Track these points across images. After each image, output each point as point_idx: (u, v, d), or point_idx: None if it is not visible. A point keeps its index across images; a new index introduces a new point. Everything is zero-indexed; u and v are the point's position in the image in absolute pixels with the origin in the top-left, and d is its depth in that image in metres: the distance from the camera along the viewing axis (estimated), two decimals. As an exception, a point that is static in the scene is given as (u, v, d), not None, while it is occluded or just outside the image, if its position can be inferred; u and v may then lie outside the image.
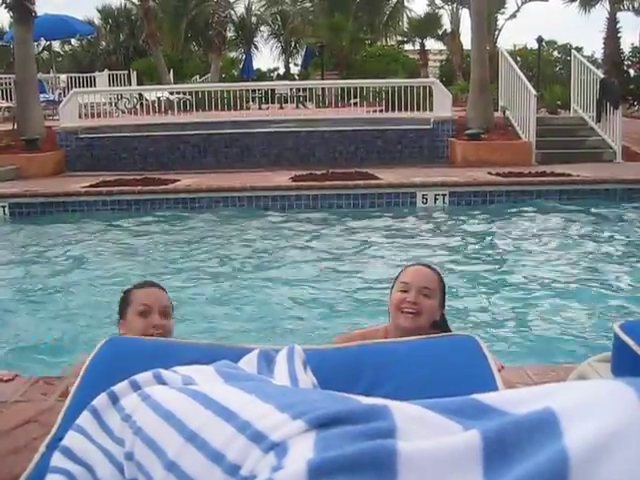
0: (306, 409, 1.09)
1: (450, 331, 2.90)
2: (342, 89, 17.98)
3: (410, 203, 10.67)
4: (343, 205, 10.61)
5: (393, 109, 15.18)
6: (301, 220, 9.85)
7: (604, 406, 0.90)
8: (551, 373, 3.05)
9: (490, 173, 11.69)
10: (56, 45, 33.79)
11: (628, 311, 5.62)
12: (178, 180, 11.72)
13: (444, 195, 10.67)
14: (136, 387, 1.42)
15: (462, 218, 9.86)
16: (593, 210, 9.97)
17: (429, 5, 35.98)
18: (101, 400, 1.43)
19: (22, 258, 8.26)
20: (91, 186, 11.28)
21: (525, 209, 10.12)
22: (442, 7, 35.33)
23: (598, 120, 14.48)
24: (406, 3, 37.77)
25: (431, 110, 14.82)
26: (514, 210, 10.07)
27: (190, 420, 1.20)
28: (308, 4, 37.66)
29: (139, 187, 11.11)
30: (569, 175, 11.31)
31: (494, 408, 1.02)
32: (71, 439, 1.42)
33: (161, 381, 1.43)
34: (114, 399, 1.42)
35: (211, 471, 1.12)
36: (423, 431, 0.99)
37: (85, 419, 1.43)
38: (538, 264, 7.37)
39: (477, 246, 8.42)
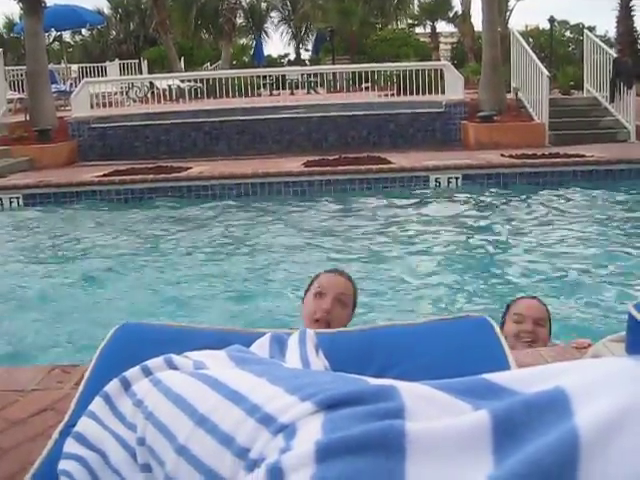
0: (315, 391, 1.09)
1: None
2: (353, 74, 17.96)
3: (423, 186, 10.63)
4: (356, 189, 10.58)
5: (405, 93, 15.14)
6: (314, 205, 9.84)
7: (615, 384, 0.89)
8: (566, 355, 3.04)
9: (503, 155, 11.62)
10: (67, 36, 33.89)
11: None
12: (190, 168, 11.72)
13: (457, 178, 10.63)
14: (148, 372, 1.43)
15: (475, 201, 9.82)
16: (608, 191, 9.90)
17: (440, -13, 35.77)
18: (113, 386, 1.44)
19: (37, 248, 8.29)
20: (104, 175, 11.31)
21: (539, 191, 10.06)
22: (452, -12, 35.12)
23: (612, 100, 14.37)
24: (416, -14, 37.55)
25: (443, 93, 14.78)
26: (528, 192, 10.02)
27: (200, 404, 1.20)
28: (318, -12, 37.51)
29: (151, 176, 11.12)
30: (583, 156, 11.23)
31: (504, 387, 1.01)
32: (84, 425, 1.43)
33: (172, 366, 1.43)
34: (126, 385, 1.43)
35: (221, 454, 1.12)
36: (432, 411, 0.99)
37: (97, 405, 1.44)
38: (553, 245, 7.34)
39: (491, 229, 8.38)
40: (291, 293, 6.02)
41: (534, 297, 3.59)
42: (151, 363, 1.44)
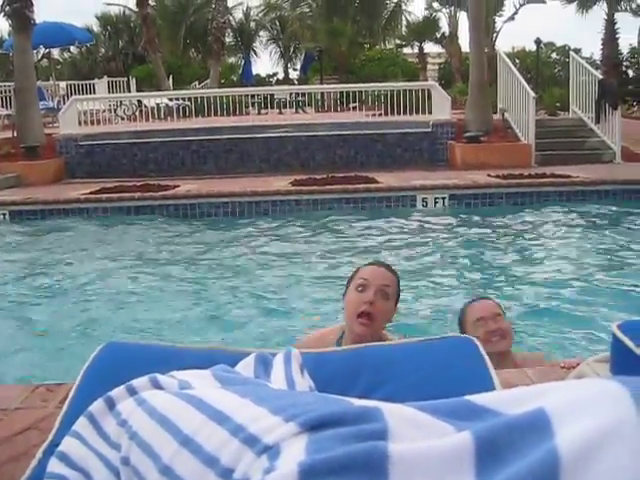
0: (298, 411, 1.09)
1: None
2: (341, 93, 18.03)
3: (410, 206, 10.68)
4: (343, 209, 10.61)
5: (392, 112, 15.22)
6: (301, 225, 9.85)
7: (596, 405, 0.89)
8: (551, 375, 3.04)
9: (490, 175, 11.69)
10: (55, 52, 33.79)
11: (629, 311, 5.61)
12: (178, 186, 11.73)
13: (444, 198, 10.68)
14: (132, 392, 1.42)
15: (462, 220, 9.87)
16: (593, 211, 9.97)
17: (427, 8, 36.12)
18: (98, 405, 1.43)
19: (22, 265, 8.25)
20: (91, 193, 11.30)
21: (525, 211, 10.12)
22: (440, 10, 35.45)
23: (597, 121, 14.51)
24: (404, 7, 37.78)
25: (430, 113, 14.85)
26: (514, 212, 10.07)
27: (184, 424, 1.20)
28: (306, 9, 37.66)
29: (138, 193, 11.12)
30: (569, 176, 11.31)
31: (487, 409, 1.02)
32: (68, 445, 1.42)
33: (158, 386, 1.43)
34: (111, 404, 1.42)
35: (205, 475, 1.11)
36: (415, 433, 0.99)
37: (81, 425, 1.43)
38: (539, 266, 7.37)
39: (477, 248, 8.41)
40: (278, 310, 6.02)
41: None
42: (136, 382, 1.44)
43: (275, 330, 5.51)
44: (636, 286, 6.49)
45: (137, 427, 1.28)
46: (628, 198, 10.59)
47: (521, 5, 31.86)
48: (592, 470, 0.83)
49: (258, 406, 1.16)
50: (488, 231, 9.29)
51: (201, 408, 1.21)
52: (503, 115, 15.45)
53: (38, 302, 6.62)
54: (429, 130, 14.57)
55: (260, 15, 41.01)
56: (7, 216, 10.62)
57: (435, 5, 35.47)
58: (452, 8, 33.95)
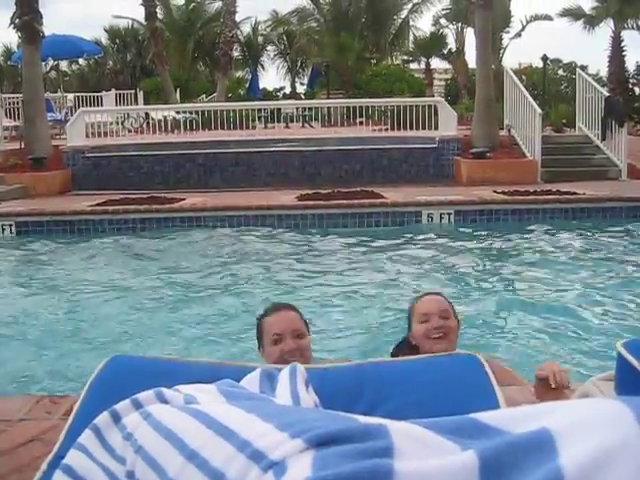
0: (305, 428, 1.09)
1: None
2: (348, 108, 18.07)
3: (415, 222, 10.67)
4: (349, 224, 10.61)
5: (399, 128, 15.24)
6: (306, 239, 9.84)
7: (600, 425, 0.90)
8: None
9: (495, 192, 11.68)
10: (63, 65, 33.98)
11: (635, 330, 5.59)
12: (184, 199, 11.75)
13: (449, 214, 10.68)
14: (138, 406, 1.43)
15: (468, 237, 9.86)
16: (599, 228, 9.96)
17: (434, 24, 36.28)
18: (103, 418, 1.43)
19: (28, 276, 8.27)
20: (97, 205, 11.32)
21: (531, 227, 10.10)
22: (447, 26, 35.63)
23: (603, 138, 14.50)
24: (411, 22, 37.96)
25: (436, 129, 14.87)
26: (520, 229, 10.05)
27: (191, 439, 1.20)
28: (314, 24, 37.85)
29: (145, 206, 11.13)
30: (574, 193, 11.30)
31: (492, 427, 1.02)
32: (73, 457, 1.42)
33: (163, 400, 1.43)
34: (116, 418, 1.42)
35: None
36: (420, 451, 0.99)
37: (87, 437, 1.43)
38: (544, 283, 7.35)
39: (483, 265, 8.39)
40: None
41: (432, 292, 3.55)
42: (141, 396, 1.44)
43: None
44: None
45: (143, 441, 1.28)
46: (634, 216, 10.57)
47: (528, 22, 32.03)
48: None
49: (264, 422, 1.16)
50: (493, 247, 9.28)
51: (207, 423, 1.22)
52: (509, 131, 15.46)
53: (41, 312, 6.63)
54: (435, 146, 14.58)
55: (268, 29, 41.20)
56: (13, 227, 10.65)
57: (442, 21, 35.68)
58: (459, 24, 34.13)
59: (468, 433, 1.02)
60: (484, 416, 1.06)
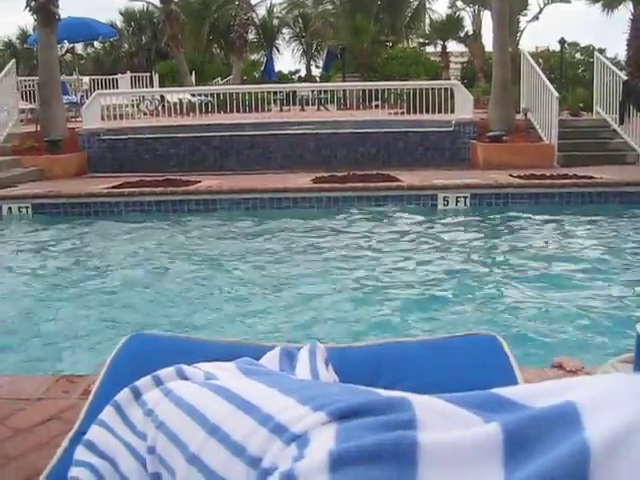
0: (327, 401, 1.09)
1: None
2: (364, 91, 18.01)
3: (431, 205, 10.65)
4: (364, 207, 10.59)
5: (414, 111, 15.18)
6: (322, 222, 9.85)
7: (625, 399, 0.89)
8: (573, 375, 3.03)
9: (512, 175, 11.63)
10: (79, 47, 34.02)
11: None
12: (199, 182, 11.77)
13: (465, 197, 10.64)
14: (158, 382, 1.43)
15: (484, 220, 9.84)
16: (616, 213, 9.91)
17: (450, 7, 36.04)
18: (124, 395, 1.44)
19: (45, 258, 8.32)
20: (113, 187, 11.36)
21: (547, 211, 10.06)
22: (464, 9, 35.37)
23: (621, 122, 14.39)
24: (427, 5, 37.76)
25: (453, 112, 14.81)
26: (536, 212, 10.02)
27: (212, 414, 1.21)
28: (330, 6, 37.70)
29: (160, 188, 11.16)
30: (591, 177, 11.24)
31: (515, 402, 1.02)
32: (94, 433, 1.43)
33: (183, 376, 1.44)
34: (137, 394, 1.43)
35: (232, 464, 1.12)
36: (443, 423, 0.99)
37: (108, 414, 1.44)
38: (561, 265, 7.32)
39: (499, 248, 8.37)
40: (294, 307, 6.02)
41: None
42: (162, 373, 1.45)
43: (290, 325, 5.53)
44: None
45: (164, 417, 1.29)
46: (651, 200, 10.50)
47: (546, 4, 31.74)
48: (623, 463, 0.82)
49: (286, 396, 1.17)
50: (509, 231, 9.25)
51: (228, 398, 1.22)
52: (526, 115, 15.37)
53: (60, 294, 6.67)
54: (451, 129, 14.53)
55: (283, 12, 41.11)
56: (30, 209, 10.70)
57: (459, 4, 35.41)
58: (476, 7, 33.86)
59: (490, 407, 1.02)
60: (505, 391, 1.06)
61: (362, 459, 0.93)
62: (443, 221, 9.88)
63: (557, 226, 9.36)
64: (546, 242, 8.54)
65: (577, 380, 1.02)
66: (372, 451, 0.93)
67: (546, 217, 9.78)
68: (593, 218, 9.65)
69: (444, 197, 10.68)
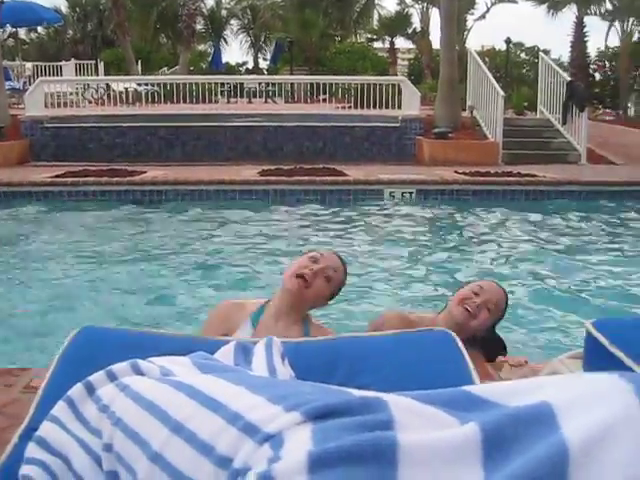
0: (300, 401, 1.08)
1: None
2: (311, 85, 17.98)
3: (377, 200, 10.69)
4: (310, 201, 10.59)
5: (362, 106, 15.22)
6: (268, 215, 9.82)
7: (600, 399, 0.91)
8: (518, 371, 3.07)
9: (457, 172, 11.75)
10: (22, 32, 33.27)
11: (592, 309, 5.68)
12: (144, 172, 11.62)
13: (411, 193, 10.73)
14: (113, 377, 1.41)
15: (428, 216, 9.93)
16: (557, 211, 10.08)
17: (399, 4, 36.16)
18: (77, 390, 1.41)
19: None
20: (56, 176, 11.14)
21: (491, 208, 10.19)
22: (412, 6, 35.55)
23: (564, 122, 14.65)
24: (377, 1, 37.88)
25: (399, 108, 14.89)
26: (480, 209, 10.16)
27: (175, 411, 1.18)
28: (279, -1, 37.61)
29: (105, 178, 11.00)
30: (535, 176, 11.43)
31: (486, 400, 1.03)
32: (46, 429, 1.40)
33: (138, 371, 1.41)
34: (90, 389, 1.40)
35: (199, 463, 1.10)
36: (420, 423, 0.99)
37: (60, 409, 1.41)
38: (503, 263, 7.44)
39: (443, 244, 8.46)
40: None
41: (498, 286, 3.21)
42: (116, 368, 1.42)
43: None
44: (601, 283, 6.58)
45: (121, 413, 1.26)
46: (592, 199, 10.72)
47: (493, 4, 32.11)
48: (601, 461, 0.84)
49: (253, 394, 1.15)
50: (454, 227, 9.35)
51: (191, 394, 1.20)
52: (472, 113, 15.55)
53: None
54: (398, 125, 14.61)
55: (232, 3, 40.84)
56: (-31, 197, 10.44)
57: (407, 1, 35.55)
58: (424, 4, 34.06)
59: (462, 406, 1.02)
60: (476, 389, 1.06)
61: (341, 460, 0.92)
62: (388, 215, 9.93)
63: (500, 223, 9.48)
64: (484, 237, 8.66)
65: (547, 380, 1.04)
66: (351, 452, 0.93)
67: (490, 214, 9.91)
68: (534, 216, 9.79)
69: (390, 192, 10.74)
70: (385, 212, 10.12)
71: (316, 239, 8.48)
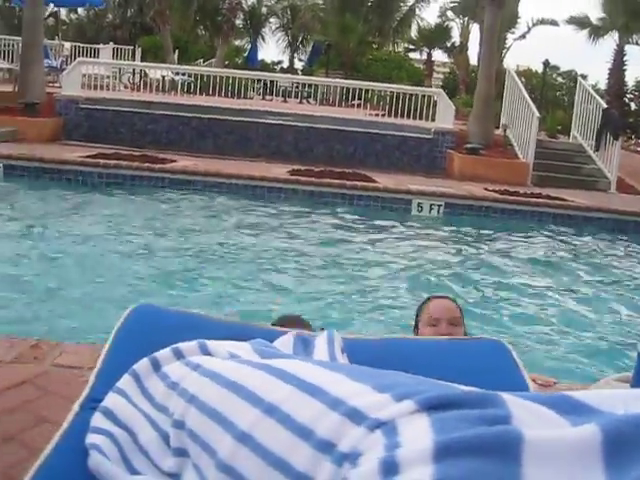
0: (410, 391, 1.06)
1: None
2: (347, 89, 17.99)
3: (405, 210, 10.67)
4: (338, 204, 10.58)
5: (395, 115, 15.20)
6: (295, 215, 9.83)
7: None
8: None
9: (487, 189, 11.71)
10: (62, 13, 33.48)
11: (617, 339, 5.65)
12: (175, 161, 11.66)
13: (440, 205, 10.69)
14: (179, 355, 1.40)
15: (456, 230, 9.90)
16: (584, 237, 10.04)
17: (440, 16, 36.16)
18: (143, 365, 1.41)
19: (12, 221, 8.19)
20: (88, 157, 11.20)
21: (518, 228, 10.15)
22: (453, 19, 35.52)
23: (597, 149, 14.56)
24: (417, 11, 37.85)
25: (433, 120, 14.85)
26: (507, 228, 10.11)
27: (267, 393, 1.17)
28: (320, 1, 37.62)
29: (137, 163, 11.04)
30: (564, 200, 11.36)
31: (586, 404, 1.01)
32: (112, 401, 1.40)
33: (206, 352, 1.41)
34: (156, 365, 1.40)
35: (296, 446, 1.08)
36: (536, 422, 0.98)
37: (126, 382, 1.41)
38: (527, 284, 7.40)
39: (468, 260, 8.43)
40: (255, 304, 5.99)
41: (445, 297, 3.47)
42: (183, 346, 1.42)
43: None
44: (626, 314, 6.54)
45: (196, 391, 1.25)
46: (619, 229, 10.65)
47: (534, 24, 31.99)
48: None
49: (355, 382, 1.14)
50: (480, 243, 9.32)
51: (284, 378, 1.18)
52: (505, 131, 15.50)
53: (27, 261, 6.58)
54: (430, 137, 14.58)
55: (273, 1, 40.90)
56: (1, 169, 10.52)
57: (449, 14, 35.53)
58: (466, 19, 34.02)
59: (564, 409, 1.01)
60: (575, 394, 1.05)
61: (467, 451, 0.91)
62: (415, 226, 9.92)
63: (527, 243, 9.44)
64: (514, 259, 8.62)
65: (633, 392, 1.02)
66: (474, 443, 0.92)
67: (517, 233, 9.87)
68: (562, 239, 9.75)
69: (418, 203, 10.71)
70: (412, 223, 10.09)
71: (342, 244, 8.47)
